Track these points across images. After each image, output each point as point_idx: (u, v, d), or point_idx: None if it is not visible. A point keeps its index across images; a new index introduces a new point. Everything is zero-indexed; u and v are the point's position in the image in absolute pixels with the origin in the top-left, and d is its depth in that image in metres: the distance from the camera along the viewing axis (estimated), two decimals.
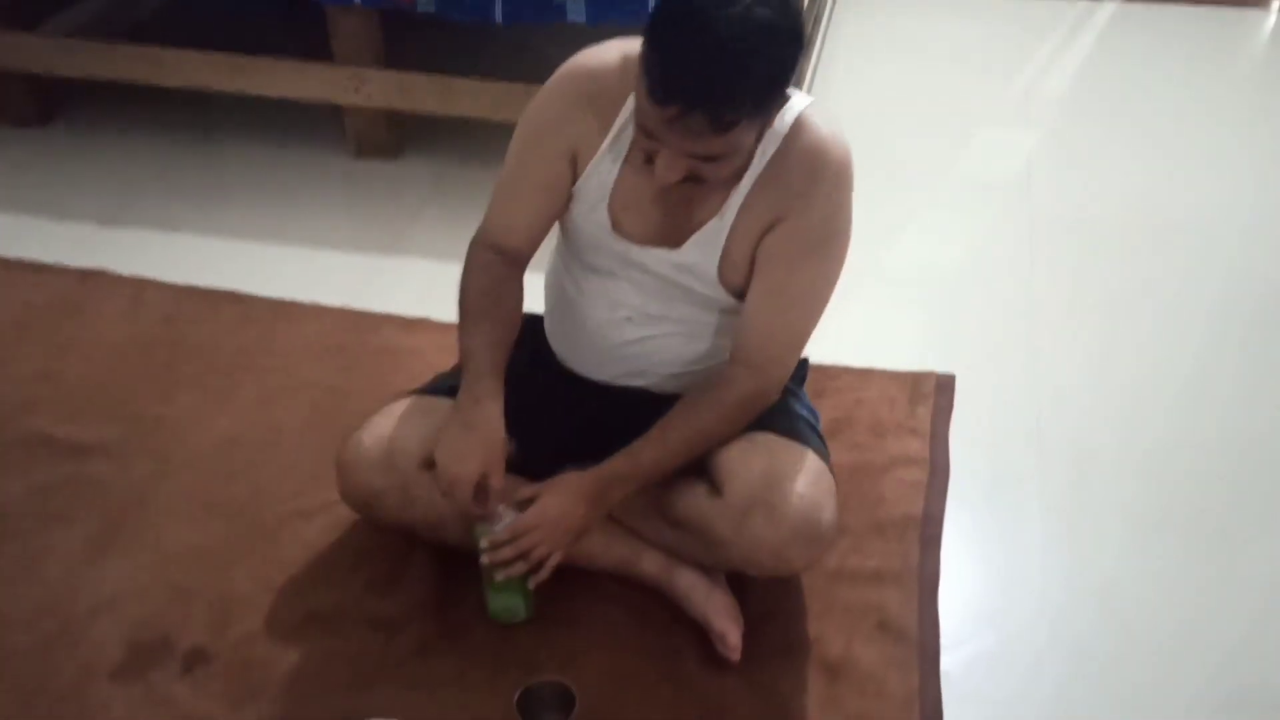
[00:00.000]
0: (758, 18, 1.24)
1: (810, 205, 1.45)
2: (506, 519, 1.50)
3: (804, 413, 1.65)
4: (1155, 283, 2.43)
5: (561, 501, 1.50)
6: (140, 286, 2.35)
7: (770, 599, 1.66)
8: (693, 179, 1.37)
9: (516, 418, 1.63)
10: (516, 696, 1.43)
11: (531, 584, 1.54)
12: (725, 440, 1.53)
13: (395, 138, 2.83)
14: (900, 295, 2.39)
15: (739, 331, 1.53)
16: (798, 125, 1.44)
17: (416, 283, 2.37)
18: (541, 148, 1.53)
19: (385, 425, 1.61)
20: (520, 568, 1.51)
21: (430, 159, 2.82)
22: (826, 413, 1.84)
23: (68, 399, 2.06)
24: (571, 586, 1.62)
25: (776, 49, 1.28)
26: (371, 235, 2.55)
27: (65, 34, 2.90)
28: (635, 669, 1.58)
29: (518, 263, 1.61)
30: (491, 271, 1.59)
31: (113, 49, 2.77)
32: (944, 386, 2.07)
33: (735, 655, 1.56)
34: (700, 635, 1.60)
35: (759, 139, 1.40)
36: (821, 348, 1.76)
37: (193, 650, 1.60)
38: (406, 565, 1.71)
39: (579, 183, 1.53)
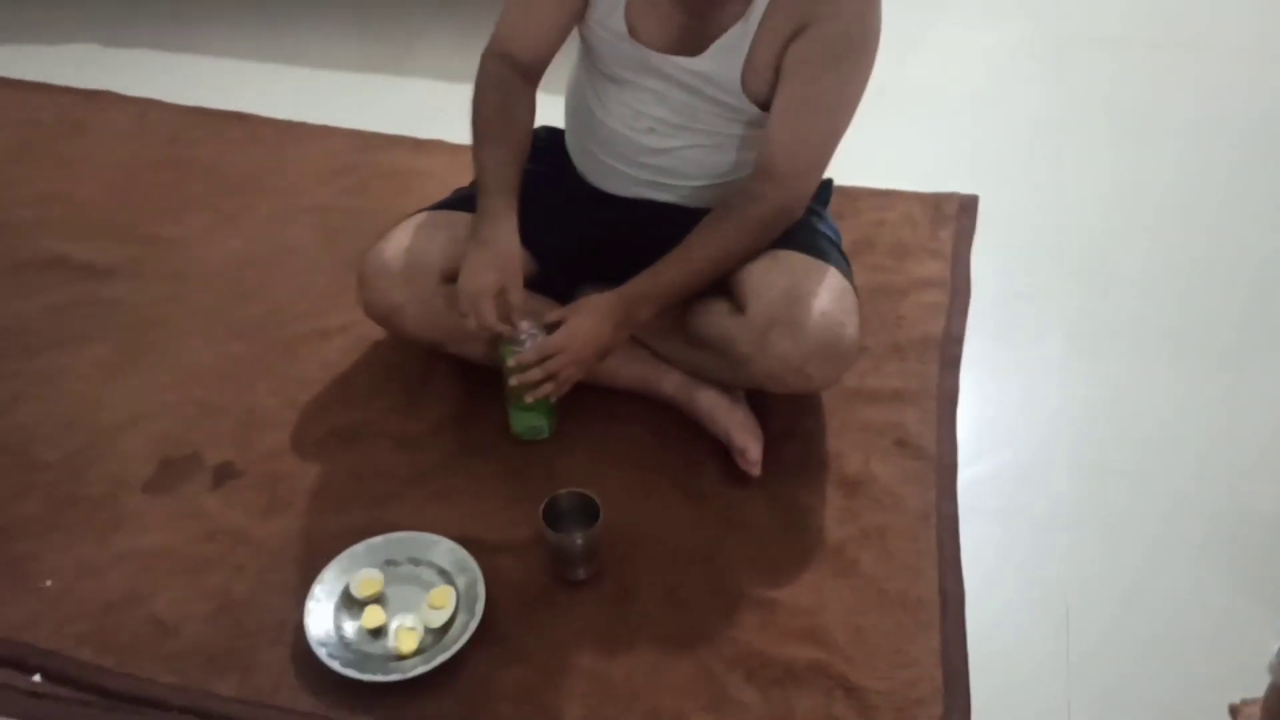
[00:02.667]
0: None
1: (837, 10, 1.40)
2: (533, 340, 1.50)
3: (827, 231, 1.64)
4: (1183, 101, 2.37)
5: (588, 322, 1.49)
6: (145, 106, 2.30)
7: (790, 418, 1.67)
8: None
9: (537, 234, 1.61)
10: (542, 507, 1.46)
11: (554, 399, 1.55)
12: (750, 257, 1.51)
13: None
14: (923, 114, 2.33)
15: (764, 144, 1.50)
16: None
17: (426, 103, 2.31)
18: None
19: (404, 239, 1.59)
20: (548, 388, 1.51)
21: None
22: (848, 234, 1.82)
23: (79, 219, 2.04)
24: (594, 405, 1.64)
25: None
26: (377, 54, 2.48)
27: None
28: (656, 483, 1.60)
29: (530, 74, 1.57)
30: (504, 86, 1.55)
31: None
32: (966, 207, 2.05)
33: (755, 470, 1.59)
34: (720, 452, 1.62)
35: None
36: (843, 169, 1.72)
37: (221, 464, 1.62)
38: (428, 383, 1.72)
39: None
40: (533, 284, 1.64)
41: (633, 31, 1.48)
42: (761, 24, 1.42)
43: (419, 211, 1.64)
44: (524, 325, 1.50)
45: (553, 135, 1.73)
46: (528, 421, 1.61)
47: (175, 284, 1.92)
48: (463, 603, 1.42)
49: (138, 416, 1.69)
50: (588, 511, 1.46)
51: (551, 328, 1.51)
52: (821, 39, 1.41)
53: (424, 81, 2.39)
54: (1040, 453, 1.68)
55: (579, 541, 1.44)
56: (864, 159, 2.07)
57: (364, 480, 1.60)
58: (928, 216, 2.02)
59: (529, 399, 1.54)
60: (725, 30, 1.44)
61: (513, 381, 1.52)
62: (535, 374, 1.50)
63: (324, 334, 1.81)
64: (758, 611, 1.45)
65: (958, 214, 2.03)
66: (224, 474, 1.61)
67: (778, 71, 1.45)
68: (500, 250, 1.48)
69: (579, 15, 1.52)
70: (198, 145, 2.21)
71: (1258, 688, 1.19)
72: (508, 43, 1.56)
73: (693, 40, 1.46)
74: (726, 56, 1.45)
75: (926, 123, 2.32)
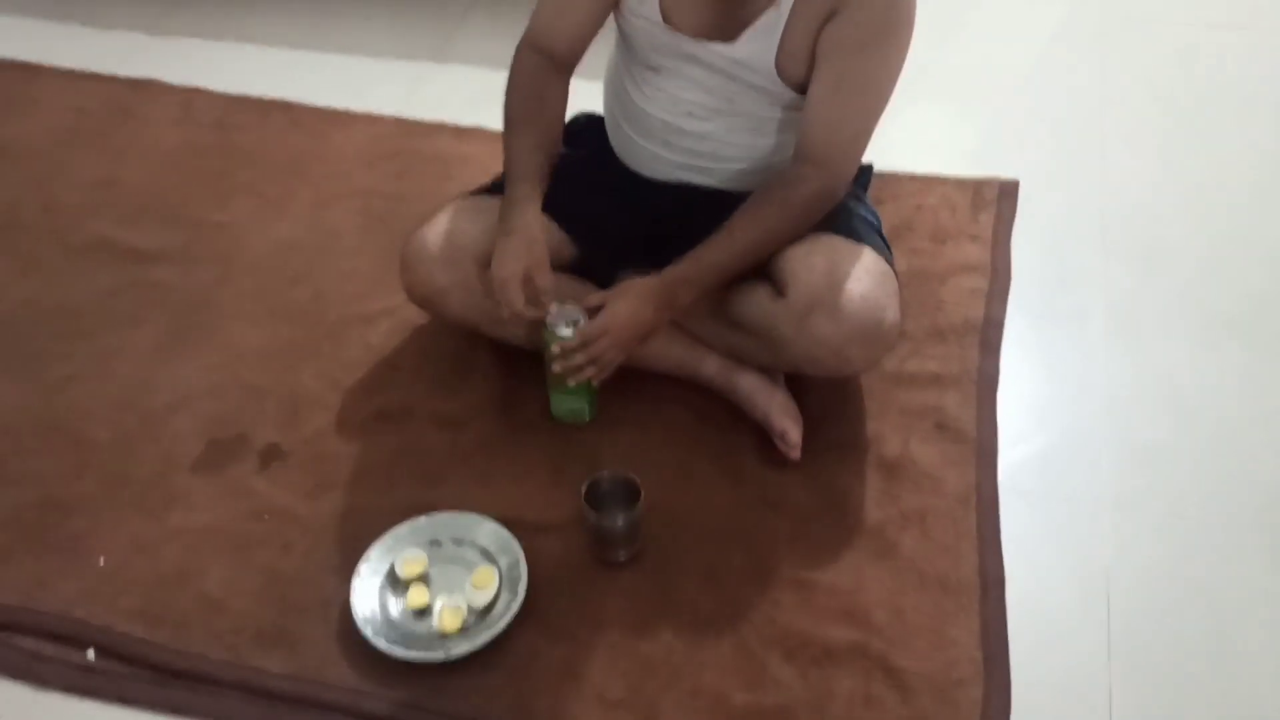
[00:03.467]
0: None
1: None
2: (574, 324, 1.51)
3: (867, 215, 1.64)
4: (1225, 85, 2.34)
5: (630, 306, 1.50)
6: (190, 94, 2.34)
7: (829, 401, 1.67)
8: None
9: (579, 218, 1.63)
10: (584, 488, 1.47)
11: (595, 383, 1.56)
12: (791, 240, 1.52)
13: None
14: (964, 98, 2.32)
15: (803, 127, 1.50)
16: None
17: (467, 90, 2.33)
18: None
19: (446, 223, 1.61)
20: (590, 372, 1.53)
21: None
22: (888, 219, 1.82)
23: (128, 204, 2.07)
24: (634, 388, 1.65)
25: None
26: (419, 44, 2.50)
27: None
28: (696, 465, 1.61)
29: (564, 66, 1.59)
30: (537, 77, 1.57)
31: None
32: (1007, 192, 2.04)
33: (795, 453, 1.59)
34: (760, 434, 1.63)
35: None
36: (883, 154, 1.72)
37: (268, 446, 1.65)
38: (470, 367, 1.74)
39: None
40: (574, 267, 1.66)
41: (667, 18, 1.49)
42: (794, 9, 1.43)
43: (461, 197, 1.66)
44: (565, 309, 1.52)
45: (592, 121, 1.74)
46: (569, 405, 1.62)
47: (222, 268, 1.95)
48: (505, 583, 1.44)
49: (187, 398, 1.72)
50: (629, 493, 1.47)
51: (593, 312, 1.52)
52: (854, 22, 1.41)
53: (466, 69, 2.40)
54: (1082, 436, 1.67)
55: (620, 523, 1.46)
56: (904, 143, 2.07)
57: (408, 461, 1.63)
58: (968, 201, 2.01)
59: (571, 383, 1.56)
60: (758, 16, 1.44)
61: (556, 367, 1.54)
62: (578, 358, 1.51)
63: (368, 318, 1.83)
64: (797, 592, 1.45)
65: (998, 199, 2.02)
66: (270, 455, 1.64)
67: (813, 55, 1.45)
68: (526, 236, 1.49)
69: (613, 4, 1.53)
70: (243, 132, 2.24)
71: None
72: (543, 34, 1.57)
73: (727, 26, 1.46)
74: (761, 41, 1.45)
75: (967, 106, 2.30)
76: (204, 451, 1.64)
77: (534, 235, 1.50)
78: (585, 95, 1.70)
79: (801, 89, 1.49)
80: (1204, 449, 1.65)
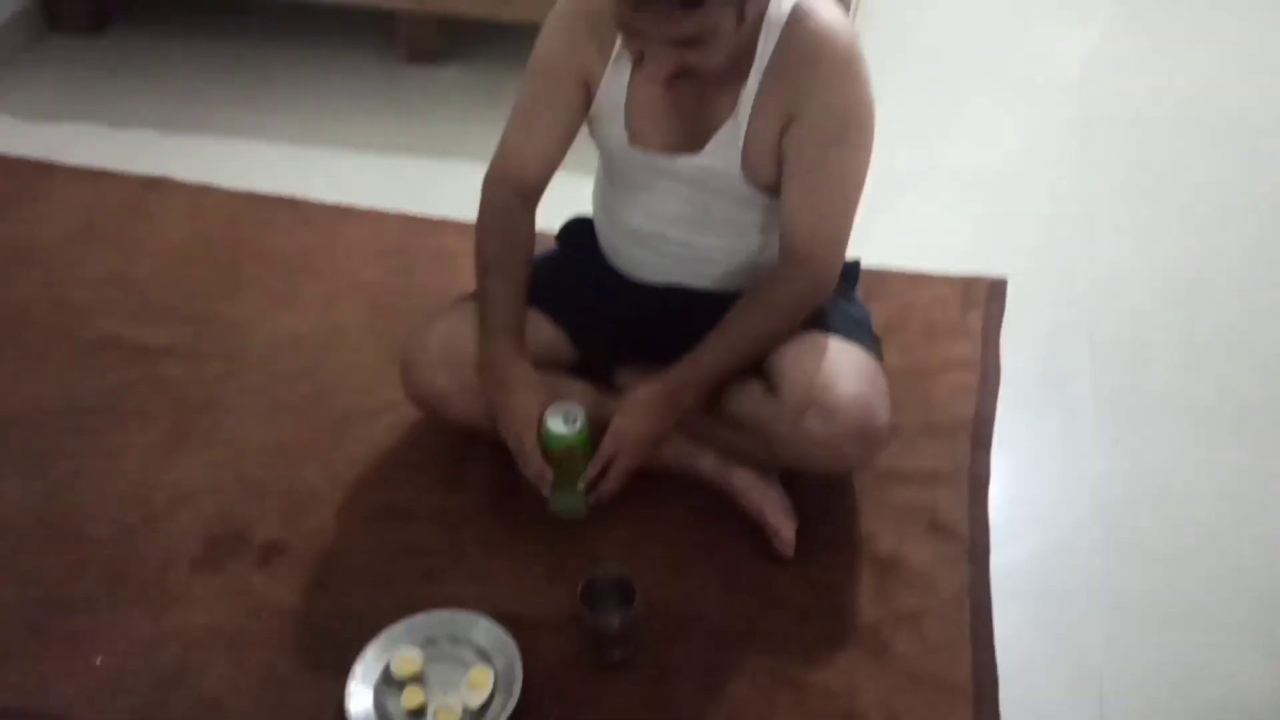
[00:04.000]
0: None
1: (821, 97, 1.44)
2: (573, 421, 1.52)
3: (857, 313, 1.67)
4: (1210, 183, 2.40)
5: (636, 422, 1.53)
6: (201, 192, 2.39)
7: (823, 498, 1.69)
8: (686, 72, 1.38)
9: (575, 319, 1.67)
10: (580, 588, 1.49)
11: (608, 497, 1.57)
12: (785, 337, 1.55)
13: (446, 42, 2.83)
14: (952, 197, 2.37)
15: (782, 230, 1.54)
16: (796, 14, 1.43)
17: (472, 187, 2.37)
18: (552, 79, 1.55)
19: (447, 326, 1.64)
20: (611, 486, 1.54)
21: (480, 63, 2.82)
22: (878, 315, 1.85)
23: (137, 300, 2.12)
24: (631, 485, 1.66)
25: None
26: (424, 140, 2.57)
27: None
28: (691, 563, 1.63)
29: (533, 196, 1.64)
30: (510, 216, 1.62)
31: None
32: (996, 291, 2.08)
33: (789, 551, 1.61)
34: (755, 531, 1.64)
35: (743, 17, 1.37)
36: (873, 250, 1.76)
37: (268, 543, 1.67)
38: (470, 463, 1.76)
39: (594, 105, 1.55)
40: (572, 365, 1.70)
41: (635, 139, 1.54)
42: (751, 119, 1.47)
43: (459, 299, 1.70)
44: (561, 406, 1.53)
45: (584, 223, 1.78)
46: (566, 502, 1.64)
47: (229, 363, 1.98)
48: (501, 683, 1.44)
49: (189, 494, 1.74)
50: (624, 593, 1.49)
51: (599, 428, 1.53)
52: (812, 127, 1.46)
53: (470, 165, 2.44)
54: (1075, 535, 1.69)
55: (615, 624, 1.47)
56: (894, 241, 2.12)
57: (407, 558, 1.64)
58: (957, 299, 2.05)
59: (591, 502, 1.57)
60: (719, 125, 1.49)
61: (581, 486, 1.54)
62: (609, 485, 1.54)
63: (370, 413, 1.86)
64: (793, 692, 1.46)
65: (987, 296, 2.06)
66: (270, 551, 1.66)
67: (779, 159, 1.50)
68: (525, 396, 1.53)
69: (576, 130, 1.59)
70: (252, 229, 2.30)
71: None
72: (510, 167, 1.62)
73: (691, 138, 1.52)
74: (724, 150, 1.50)
75: (955, 204, 2.35)
76: (204, 549, 1.66)
77: (531, 396, 1.53)
78: (577, 190, 1.75)
79: (772, 191, 1.54)
80: (1196, 548, 1.66)
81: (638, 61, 1.40)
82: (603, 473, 1.54)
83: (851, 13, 2.56)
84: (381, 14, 2.79)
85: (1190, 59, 2.84)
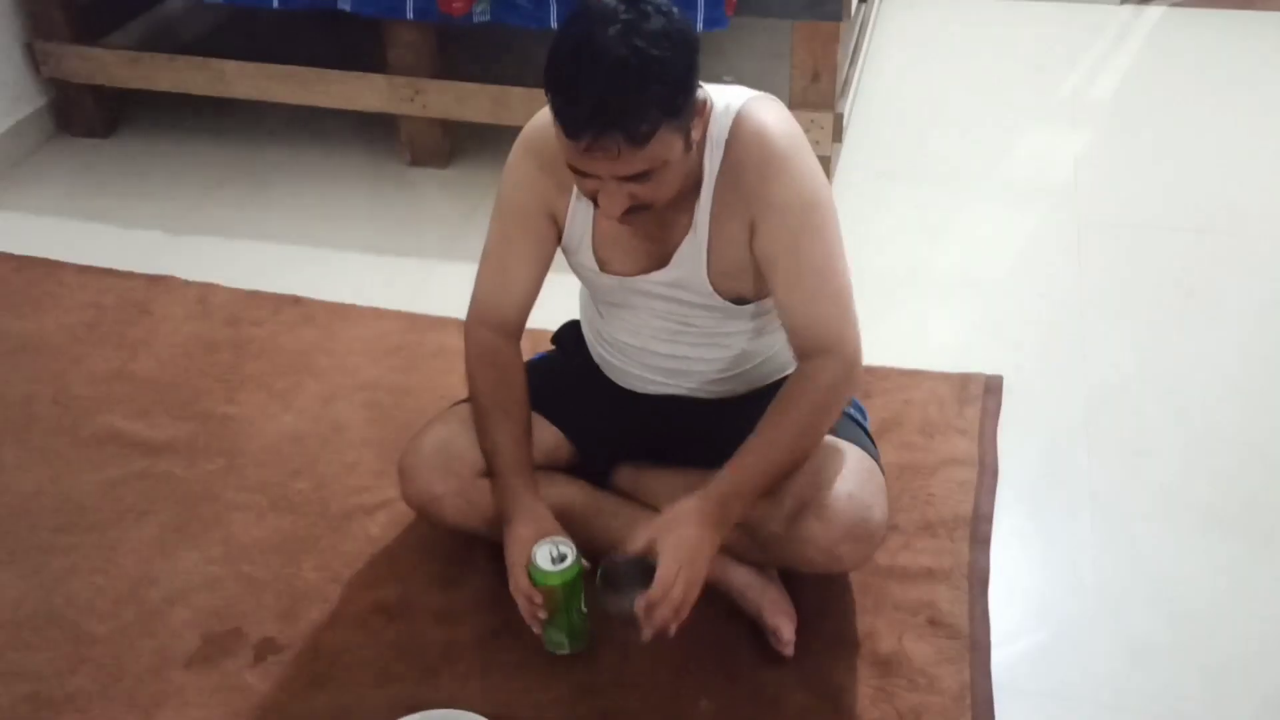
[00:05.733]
0: (641, 29, 1.27)
1: (775, 202, 1.45)
2: (562, 559, 1.49)
3: (852, 412, 1.68)
4: (1203, 285, 2.44)
5: (690, 536, 1.42)
6: (205, 290, 2.43)
7: (822, 596, 1.69)
8: (640, 206, 1.39)
9: (572, 422, 1.69)
10: (600, 571, 1.45)
11: (674, 632, 1.45)
12: (824, 432, 1.52)
13: (448, 145, 2.89)
14: (947, 296, 2.41)
15: (792, 329, 1.53)
16: (738, 123, 1.46)
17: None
18: (520, 216, 1.58)
19: (444, 431, 1.66)
20: (677, 619, 1.43)
21: (482, 165, 2.88)
22: (875, 413, 1.87)
23: (139, 397, 2.13)
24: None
25: (668, 50, 1.29)
26: (426, 241, 2.61)
27: (129, 47, 2.99)
28: (690, 662, 1.62)
29: (515, 332, 1.66)
30: (497, 357, 1.63)
31: (175, 61, 2.85)
32: (992, 387, 2.10)
33: (789, 650, 1.60)
34: (754, 630, 1.63)
35: (689, 144, 1.38)
36: (869, 349, 1.77)
37: (264, 640, 1.66)
38: (468, 560, 1.75)
39: (564, 238, 1.58)
40: (572, 467, 1.70)
41: (604, 265, 1.56)
42: (711, 231, 1.49)
43: (459, 403, 1.71)
44: (551, 541, 1.50)
45: (578, 329, 1.81)
46: (553, 638, 1.59)
47: (228, 459, 1.99)
48: None
49: (185, 590, 1.74)
50: (644, 573, 1.42)
51: (638, 554, 1.44)
52: (778, 228, 1.46)
53: (471, 265, 2.49)
54: (1075, 632, 1.68)
55: (629, 605, 1.42)
56: (892, 340, 2.14)
57: (404, 655, 1.63)
58: (954, 395, 2.07)
59: (650, 636, 1.44)
60: (680, 242, 1.51)
61: (646, 633, 1.43)
62: (665, 611, 1.41)
63: (368, 509, 1.87)
64: None
65: (984, 393, 2.08)
66: (265, 649, 1.64)
67: (752, 268, 1.50)
68: (539, 527, 1.52)
69: (549, 261, 1.61)
70: (254, 327, 2.32)
71: None
72: (490, 308, 1.64)
73: (656, 258, 1.53)
74: (689, 265, 1.52)
75: (950, 305, 2.39)
76: (199, 645, 1.65)
77: (531, 529, 1.52)
78: (569, 290, 1.77)
79: (739, 300, 1.55)
80: (1199, 646, 1.65)
81: (593, 200, 1.41)
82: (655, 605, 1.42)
83: (846, 113, 2.63)
84: (385, 118, 2.86)
85: (1182, 158, 2.90)
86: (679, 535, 1.42)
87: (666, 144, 1.33)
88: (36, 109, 2.98)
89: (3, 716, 1.55)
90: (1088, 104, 3.22)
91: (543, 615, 1.52)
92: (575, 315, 1.83)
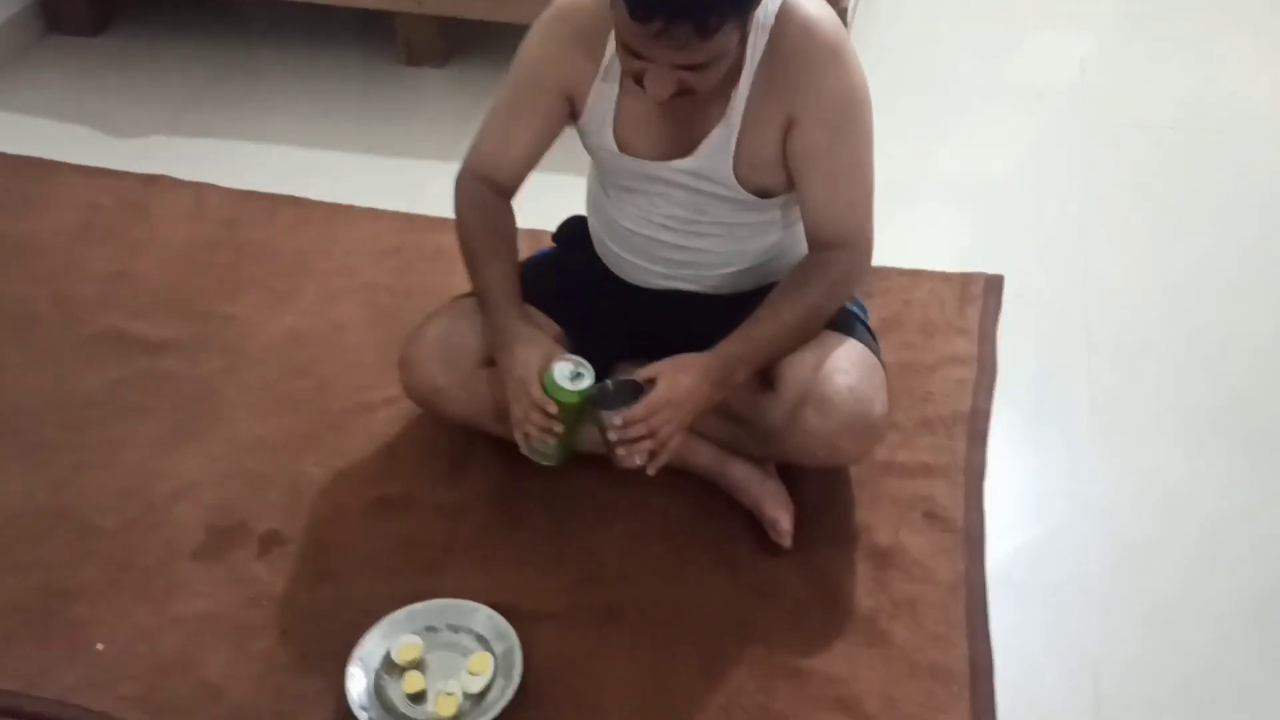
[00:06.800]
0: None
1: (819, 95, 1.45)
2: (578, 377, 1.48)
3: (854, 309, 1.68)
4: (1208, 185, 2.42)
5: (688, 380, 1.47)
6: (202, 191, 2.41)
7: (820, 490, 1.71)
8: (684, 91, 1.39)
9: (571, 318, 1.67)
10: (592, 396, 1.46)
11: (653, 470, 1.50)
12: (829, 316, 1.55)
13: (445, 44, 2.84)
14: (951, 198, 2.39)
15: (813, 223, 1.54)
16: (782, 15, 1.44)
17: None
18: (534, 89, 1.56)
19: (445, 323, 1.66)
20: (648, 445, 1.47)
21: (478, 65, 2.84)
22: (876, 313, 1.87)
23: (139, 298, 2.13)
24: (629, 478, 1.67)
25: None
26: (422, 140, 2.58)
27: None
28: (691, 554, 1.64)
29: (508, 193, 1.65)
30: (487, 208, 1.63)
31: None
32: (993, 286, 2.09)
33: (787, 541, 1.62)
34: (753, 523, 1.66)
35: (743, 40, 1.40)
36: (875, 250, 1.78)
37: (269, 533, 1.68)
38: (470, 457, 1.77)
39: (583, 117, 1.56)
40: None
41: (625, 147, 1.55)
42: (746, 122, 1.48)
43: (457, 297, 1.71)
44: (577, 364, 1.49)
45: (580, 223, 1.79)
46: (544, 446, 1.53)
47: (229, 359, 1.99)
48: (500, 669, 1.45)
49: (190, 486, 1.75)
50: (635, 393, 1.45)
51: (645, 383, 1.47)
52: (819, 122, 1.47)
53: None
54: (1070, 529, 1.70)
55: (617, 419, 1.44)
56: (895, 241, 2.11)
57: (407, 548, 1.66)
58: (955, 295, 2.07)
59: (638, 460, 1.48)
60: (710, 130, 1.50)
61: (613, 437, 1.47)
62: (640, 429, 1.45)
63: (370, 407, 1.88)
64: (791, 680, 1.47)
65: (984, 293, 2.07)
66: (271, 541, 1.67)
67: (782, 164, 1.50)
68: (536, 342, 1.51)
69: (552, 141, 1.60)
70: (252, 227, 2.31)
71: None
72: (485, 165, 1.63)
73: (681, 144, 1.52)
74: (715, 155, 1.51)
75: (956, 206, 2.37)
76: (205, 539, 1.67)
77: (536, 349, 1.51)
78: (572, 190, 1.76)
79: (763, 194, 1.54)
80: (1191, 545, 1.68)
81: (637, 81, 1.40)
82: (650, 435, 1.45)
83: (850, 15, 2.59)
84: (380, 15, 2.81)
85: (1189, 62, 2.86)
86: (678, 379, 1.46)
87: (728, 37, 1.34)
88: (25, 6, 2.92)
89: (17, 608, 1.58)
90: (1095, 3, 3.16)
91: (558, 429, 1.50)
92: (576, 213, 1.81)
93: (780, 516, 1.62)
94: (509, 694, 1.42)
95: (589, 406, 1.48)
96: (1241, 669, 1.51)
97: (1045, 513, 1.74)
